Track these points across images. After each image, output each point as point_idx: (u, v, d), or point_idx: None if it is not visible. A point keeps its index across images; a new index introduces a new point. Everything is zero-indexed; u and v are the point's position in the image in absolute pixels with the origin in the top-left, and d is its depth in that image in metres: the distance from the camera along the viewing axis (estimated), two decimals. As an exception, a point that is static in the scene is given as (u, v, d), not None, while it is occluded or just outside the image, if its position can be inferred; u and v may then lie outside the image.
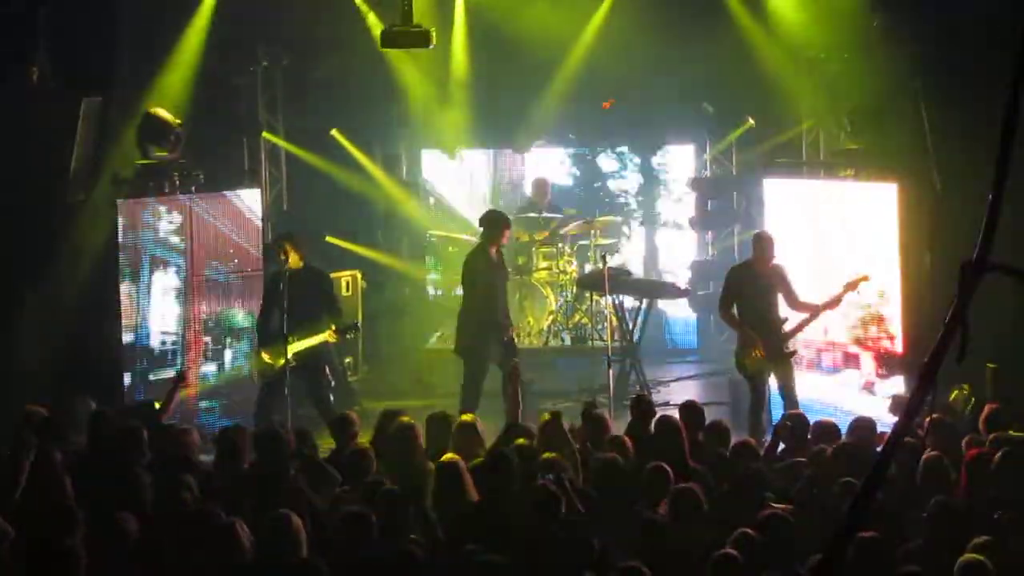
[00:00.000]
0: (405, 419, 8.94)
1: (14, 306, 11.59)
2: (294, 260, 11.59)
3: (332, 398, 12.08)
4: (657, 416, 9.23)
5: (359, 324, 12.91)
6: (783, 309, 11.59)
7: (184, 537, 7.02)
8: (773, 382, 11.63)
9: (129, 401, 11.74)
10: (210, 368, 13.15)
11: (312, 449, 8.84)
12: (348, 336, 12.49)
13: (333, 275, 14.10)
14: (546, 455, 8.16)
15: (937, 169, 11.70)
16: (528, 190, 16.89)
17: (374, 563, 6.79)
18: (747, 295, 11.63)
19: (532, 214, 15.88)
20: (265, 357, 11.60)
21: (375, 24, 14.10)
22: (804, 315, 11.50)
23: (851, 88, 13.00)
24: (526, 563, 6.80)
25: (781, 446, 9.30)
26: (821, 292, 11.66)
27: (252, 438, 8.75)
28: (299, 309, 11.44)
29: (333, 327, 11.65)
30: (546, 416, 9.19)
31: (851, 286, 11.35)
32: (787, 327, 11.49)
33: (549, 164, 17.53)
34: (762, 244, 11.68)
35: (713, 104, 15.73)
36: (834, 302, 11.42)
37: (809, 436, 9.16)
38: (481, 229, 12.46)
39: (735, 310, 11.64)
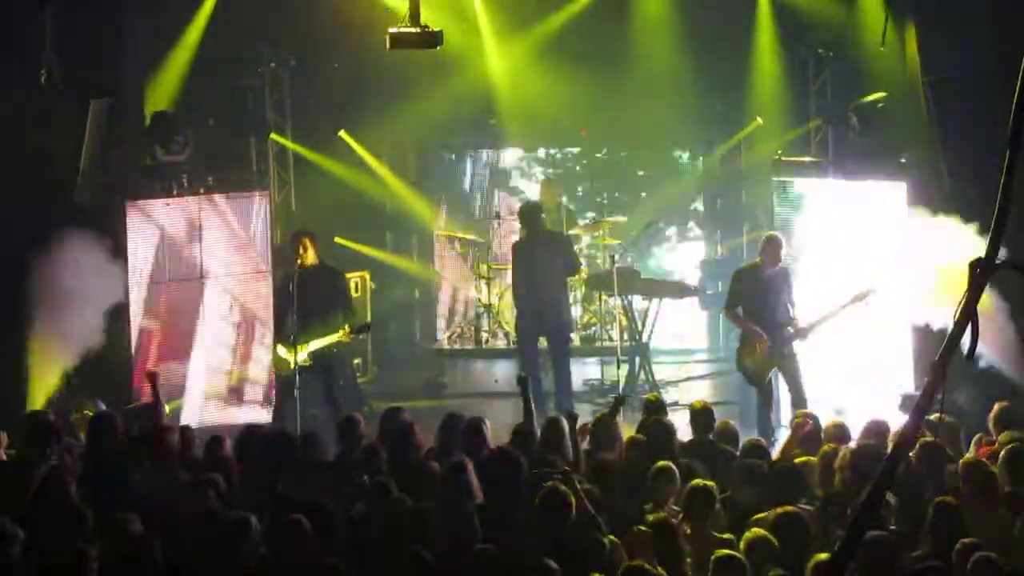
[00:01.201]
0: (405, 417, 9.01)
1: (22, 309, 11.57)
2: (311, 257, 11.73)
3: (342, 400, 12.11)
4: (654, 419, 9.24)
5: (370, 324, 12.91)
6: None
7: (200, 539, 7.05)
8: (782, 382, 11.68)
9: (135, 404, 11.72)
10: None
11: (319, 451, 8.82)
12: (361, 336, 12.56)
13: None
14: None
15: (946, 167, 11.66)
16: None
17: (383, 566, 6.79)
18: (752, 296, 11.67)
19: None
20: (281, 353, 11.66)
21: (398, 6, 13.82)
22: (814, 319, 11.49)
23: (858, 84, 12.98)
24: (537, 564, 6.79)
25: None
26: (831, 295, 11.67)
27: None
28: (315, 306, 11.55)
29: (347, 327, 11.73)
30: (552, 416, 9.22)
31: (858, 298, 11.37)
32: (792, 329, 11.50)
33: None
34: (771, 246, 11.70)
35: (721, 102, 15.67)
36: (840, 311, 11.42)
37: (821, 435, 9.14)
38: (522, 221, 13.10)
39: (739, 310, 11.71)
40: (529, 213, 13.18)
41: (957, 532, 6.85)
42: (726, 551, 6.56)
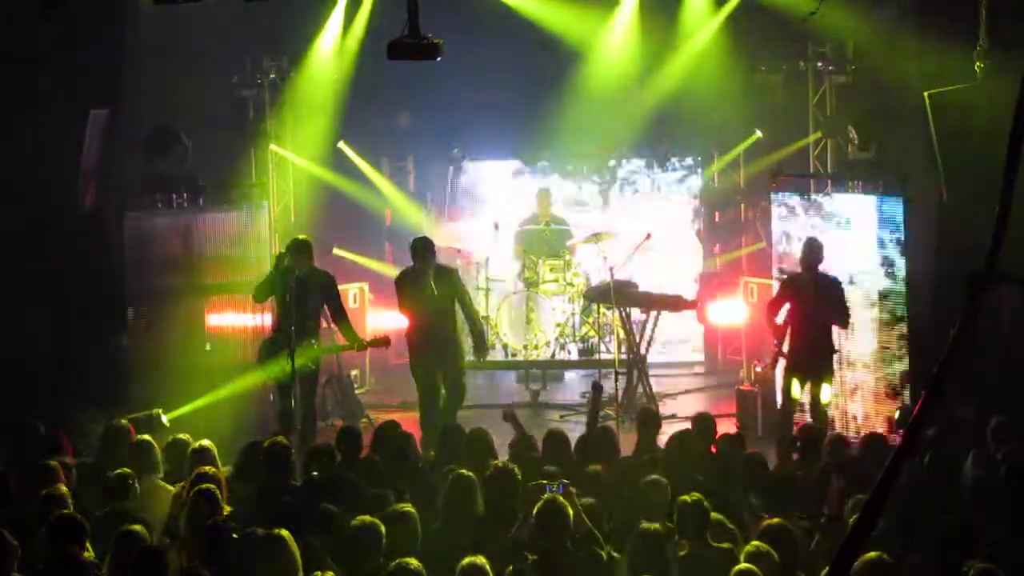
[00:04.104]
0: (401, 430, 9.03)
1: (21, 319, 11.58)
2: (310, 263, 11.60)
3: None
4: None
5: (389, 340, 12.70)
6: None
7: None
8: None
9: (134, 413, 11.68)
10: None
11: (324, 463, 8.81)
12: (379, 347, 12.54)
13: (341, 287, 14.10)
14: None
15: (945, 179, 11.66)
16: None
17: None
18: (793, 303, 11.32)
19: (536, 226, 15.92)
20: (283, 363, 11.55)
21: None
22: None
23: (858, 98, 13.00)
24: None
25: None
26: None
27: (262, 454, 8.71)
28: (311, 311, 11.54)
29: (360, 340, 11.71)
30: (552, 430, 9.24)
31: None
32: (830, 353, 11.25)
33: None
34: (804, 251, 11.38)
35: (720, 116, 15.67)
36: None
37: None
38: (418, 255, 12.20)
39: (780, 318, 11.39)
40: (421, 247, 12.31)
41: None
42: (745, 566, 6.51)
